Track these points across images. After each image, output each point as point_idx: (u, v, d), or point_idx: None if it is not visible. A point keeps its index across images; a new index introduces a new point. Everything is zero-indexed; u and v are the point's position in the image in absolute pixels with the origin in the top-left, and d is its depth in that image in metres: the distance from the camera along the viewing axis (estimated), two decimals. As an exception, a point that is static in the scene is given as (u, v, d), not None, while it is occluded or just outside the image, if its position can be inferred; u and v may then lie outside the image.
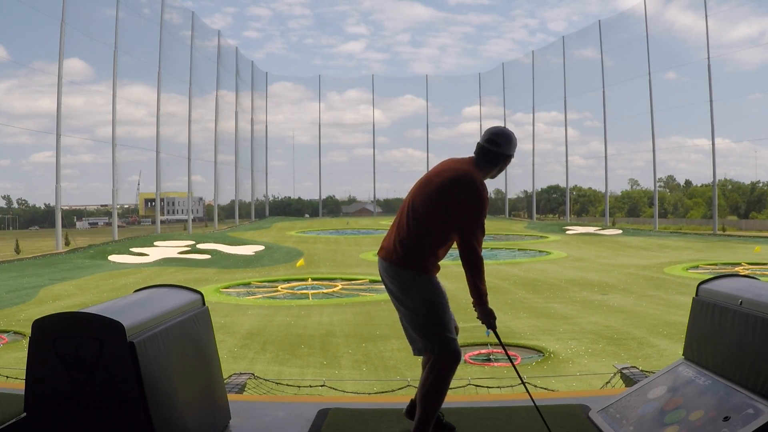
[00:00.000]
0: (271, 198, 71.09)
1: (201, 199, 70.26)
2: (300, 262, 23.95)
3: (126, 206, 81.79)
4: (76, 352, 2.49)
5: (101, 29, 34.59)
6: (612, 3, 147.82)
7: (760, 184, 57.75)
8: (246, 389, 5.93)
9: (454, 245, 3.25)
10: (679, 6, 53.23)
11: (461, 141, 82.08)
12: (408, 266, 3.15)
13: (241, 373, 6.43)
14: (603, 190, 53.85)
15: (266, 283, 19.28)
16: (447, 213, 3.14)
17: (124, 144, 34.47)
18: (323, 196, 73.16)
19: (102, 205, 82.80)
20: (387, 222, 54.92)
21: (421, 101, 75.80)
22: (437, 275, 3.26)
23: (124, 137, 34.50)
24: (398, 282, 3.18)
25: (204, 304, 3.48)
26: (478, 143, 3.29)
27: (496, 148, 3.24)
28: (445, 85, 70.03)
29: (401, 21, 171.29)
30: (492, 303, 3.25)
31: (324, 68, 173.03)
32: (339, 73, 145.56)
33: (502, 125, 3.41)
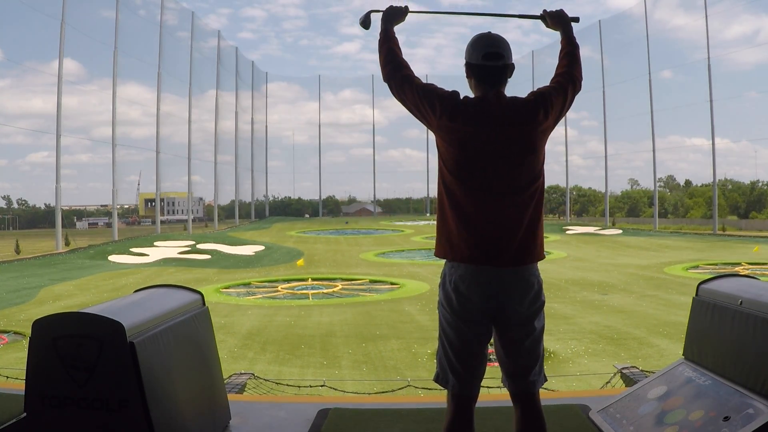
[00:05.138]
0: (271, 198, 71.14)
1: (201, 199, 70.31)
2: (300, 262, 23.95)
3: (126, 206, 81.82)
4: (76, 352, 2.49)
5: (96, 28, 34.69)
6: (605, 4, 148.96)
7: (760, 184, 57.75)
8: (246, 389, 5.93)
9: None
10: (670, 6, 53.41)
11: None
12: None
13: (241, 373, 6.43)
14: (603, 190, 53.88)
15: (266, 283, 19.27)
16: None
17: (121, 144, 34.56)
18: (323, 197, 73.19)
19: (102, 206, 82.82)
20: (387, 222, 54.84)
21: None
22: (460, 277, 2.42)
23: (120, 137, 34.61)
24: None
25: (204, 304, 3.48)
26: None
27: None
28: (440, 85, 69.60)
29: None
30: None
31: (320, 69, 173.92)
32: (335, 73, 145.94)
33: None
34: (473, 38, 2.51)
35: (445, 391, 2.53)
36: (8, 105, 47.55)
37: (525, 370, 2.46)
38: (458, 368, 2.44)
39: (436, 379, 2.53)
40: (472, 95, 2.53)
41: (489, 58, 2.45)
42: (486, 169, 2.39)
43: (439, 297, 2.49)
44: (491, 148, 2.38)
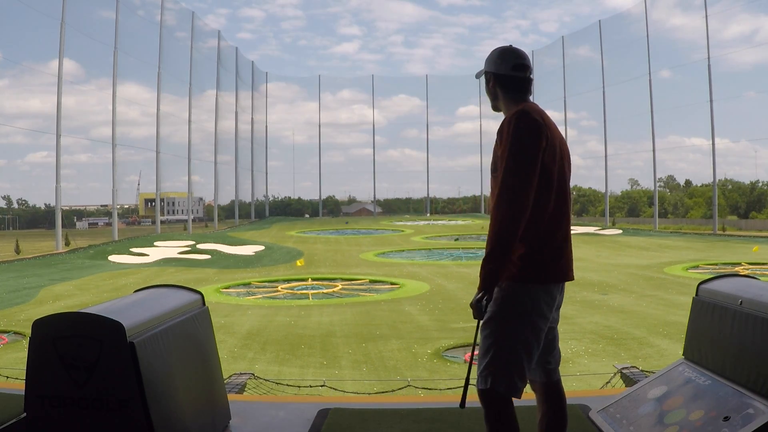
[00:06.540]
0: (271, 198, 71.15)
1: (201, 199, 70.34)
2: (300, 262, 23.95)
3: (126, 206, 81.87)
4: (76, 352, 2.49)
5: (96, 28, 34.68)
6: (603, 4, 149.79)
7: (760, 184, 57.78)
8: (246, 389, 5.93)
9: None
10: (669, 6, 53.44)
11: (457, 141, 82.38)
12: None
13: (241, 373, 6.43)
14: (603, 190, 53.89)
15: (266, 283, 19.27)
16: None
17: (120, 144, 34.55)
18: (323, 197, 73.21)
19: (102, 206, 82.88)
20: (387, 222, 54.81)
21: (415, 101, 76.04)
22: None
23: (119, 137, 34.60)
24: None
25: (204, 304, 3.48)
26: None
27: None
28: (439, 85, 70.13)
29: (394, 21, 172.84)
30: None
31: (319, 69, 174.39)
32: (334, 73, 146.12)
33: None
34: (499, 50, 2.57)
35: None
36: (6, 105, 47.66)
37: (559, 357, 2.65)
38: (526, 371, 2.46)
39: (495, 393, 2.45)
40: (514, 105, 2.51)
41: (518, 69, 2.51)
42: (557, 176, 2.47)
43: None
44: (559, 154, 2.48)
